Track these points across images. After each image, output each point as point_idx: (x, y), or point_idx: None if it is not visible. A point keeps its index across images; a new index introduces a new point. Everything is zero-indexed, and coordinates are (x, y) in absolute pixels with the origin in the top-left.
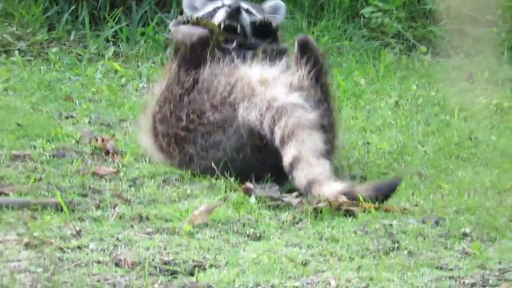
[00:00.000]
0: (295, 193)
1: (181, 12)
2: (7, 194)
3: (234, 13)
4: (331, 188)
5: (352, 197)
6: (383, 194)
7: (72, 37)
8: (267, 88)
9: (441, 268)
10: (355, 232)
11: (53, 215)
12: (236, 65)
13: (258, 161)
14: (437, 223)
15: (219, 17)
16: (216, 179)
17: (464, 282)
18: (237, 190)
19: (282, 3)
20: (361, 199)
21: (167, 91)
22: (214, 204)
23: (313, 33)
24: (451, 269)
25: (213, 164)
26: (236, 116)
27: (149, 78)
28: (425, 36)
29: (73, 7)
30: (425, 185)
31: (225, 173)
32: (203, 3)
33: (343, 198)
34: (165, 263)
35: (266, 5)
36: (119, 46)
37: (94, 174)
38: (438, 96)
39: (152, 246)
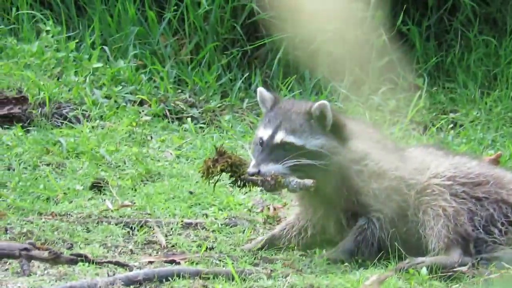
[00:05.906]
0: (469, 264)
1: None
2: (178, 263)
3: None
4: None
5: None
6: None
7: (245, 105)
8: None
9: None
10: None
11: (224, 284)
12: None
13: None
14: None
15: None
16: (387, 250)
17: None
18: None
19: (326, 103)
20: None
21: None
22: (386, 275)
23: (486, 103)
24: None
25: None
26: None
27: None
28: None
29: (246, 74)
30: None
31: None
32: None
33: None
34: None
35: (313, 108)
36: None
37: None
38: None
39: None
